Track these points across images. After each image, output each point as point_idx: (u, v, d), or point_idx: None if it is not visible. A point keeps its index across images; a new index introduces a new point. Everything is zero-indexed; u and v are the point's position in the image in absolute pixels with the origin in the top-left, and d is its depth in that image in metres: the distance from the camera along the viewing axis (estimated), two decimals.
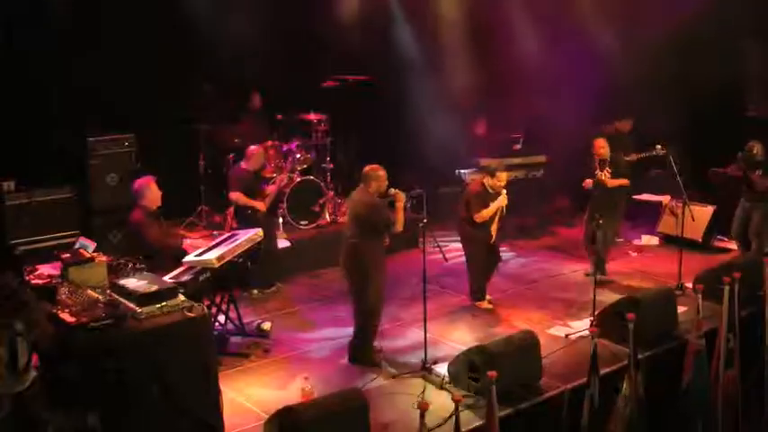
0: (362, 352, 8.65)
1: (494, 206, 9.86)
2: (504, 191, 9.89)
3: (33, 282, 6.96)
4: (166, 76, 11.80)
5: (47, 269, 7.57)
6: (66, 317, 6.32)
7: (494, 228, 10.07)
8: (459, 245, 12.03)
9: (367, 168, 8.59)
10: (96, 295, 6.89)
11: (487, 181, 9.93)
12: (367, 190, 8.50)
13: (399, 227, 8.48)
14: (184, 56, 12.04)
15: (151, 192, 9.03)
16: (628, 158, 11.16)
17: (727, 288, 8.08)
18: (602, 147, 10.94)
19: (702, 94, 13.02)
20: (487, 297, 10.27)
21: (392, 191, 8.49)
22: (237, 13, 12.10)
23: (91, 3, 10.86)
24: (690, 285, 10.06)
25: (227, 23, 11.90)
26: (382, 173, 8.51)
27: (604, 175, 10.82)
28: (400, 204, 8.44)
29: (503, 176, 9.86)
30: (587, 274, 10.98)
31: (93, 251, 7.84)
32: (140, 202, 9.02)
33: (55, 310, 6.41)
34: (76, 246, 8.15)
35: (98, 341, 6.24)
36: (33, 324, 5.74)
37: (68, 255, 7.57)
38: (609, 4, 13.64)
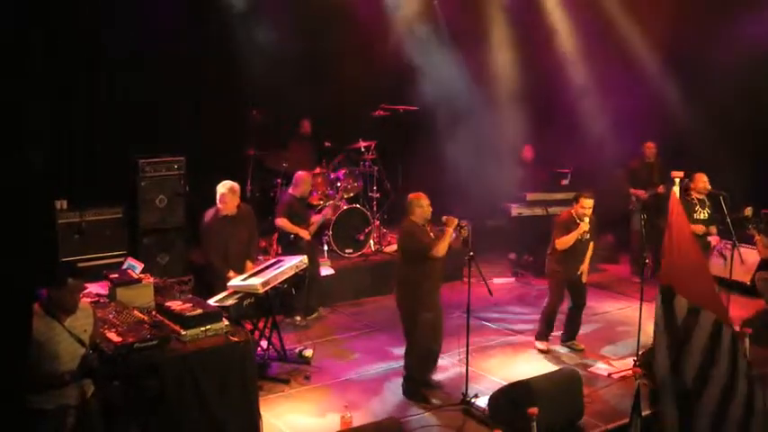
0: (408, 386, 8.62)
1: (574, 233, 9.53)
2: (587, 218, 9.56)
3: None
4: (217, 100, 11.95)
5: (95, 288, 7.68)
6: (112, 336, 6.40)
7: (583, 267, 9.80)
8: (504, 279, 12.03)
9: (410, 196, 8.57)
10: (142, 316, 6.97)
11: (574, 209, 9.68)
12: (410, 219, 8.48)
13: (440, 251, 8.24)
14: (236, 81, 12.18)
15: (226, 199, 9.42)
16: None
17: None
18: (703, 182, 10.62)
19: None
20: (574, 343, 10.03)
21: (445, 217, 8.41)
22: (290, 41, 12.21)
23: (144, 29, 11.01)
24: (737, 329, 9.86)
25: (280, 50, 12.01)
26: (425, 201, 8.46)
27: (704, 214, 10.57)
28: (449, 229, 8.29)
29: (586, 203, 9.53)
30: None
31: (141, 272, 7.94)
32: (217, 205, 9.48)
33: (102, 329, 6.49)
34: (124, 266, 8.27)
35: (142, 361, 6.31)
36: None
37: (116, 275, 7.67)
38: (672, 50, 13.68)
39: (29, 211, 4.83)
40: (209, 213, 9.47)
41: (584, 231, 9.59)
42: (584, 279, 9.87)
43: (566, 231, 9.61)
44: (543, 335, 9.98)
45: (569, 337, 10.05)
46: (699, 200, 10.57)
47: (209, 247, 9.45)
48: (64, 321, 5.66)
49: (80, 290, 5.88)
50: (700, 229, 10.40)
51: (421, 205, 8.46)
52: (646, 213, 12.42)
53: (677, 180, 7.66)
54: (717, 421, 6.28)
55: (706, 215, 10.54)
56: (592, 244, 9.89)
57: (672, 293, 6.26)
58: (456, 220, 8.35)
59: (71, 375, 5.62)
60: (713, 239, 11.29)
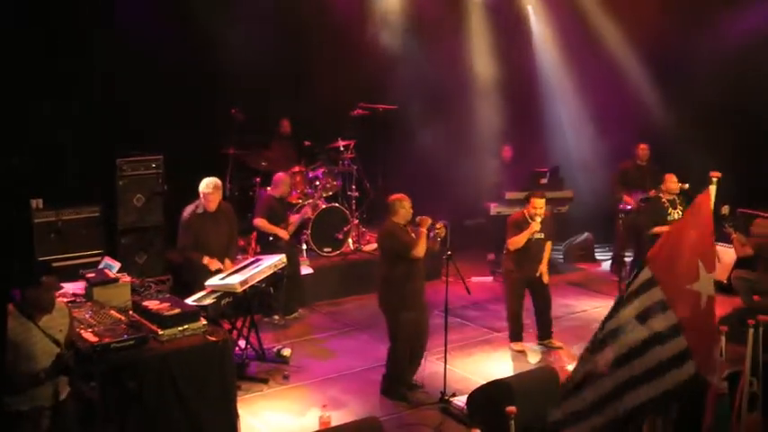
0: (388, 385, 8.61)
1: (525, 233, 9.57)
2: (538, 218, 9.58)
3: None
4: (196, 99, 11.89)
5: (72, 288, 7.63)
6: (88, 336, 6.36)
7: (542, 267, 9.82)
8: (482, 278, 12.03)
9: (393, 197, 8.56)
10: (119, 316, 6.94)
11: (526, 209, 9.72)
12: (392, 219, 8.48)
13: (418, 251, 8.23)
14: (215, 81, 12.15)
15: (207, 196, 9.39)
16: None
17: (751, 330, 7.92)
18: (674, 182, 10.65)
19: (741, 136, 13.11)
20: (551, 342, 10.04)
21: (419, 218, 8.42)
22: (269, 41, 12.19)
23: (123, 29, 10.98)
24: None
25: (259, 50, 11.98)
26: (407, 202, 8.47)
27: (678, 213, 10.56)
28: (422, 230, 8.31)
29: (537, 203, 9.57)
30: None
31: (118, 271, 7.90)
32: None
33: (79, 329, 6.45)
34: (101, 266, 8.23)
35: (119, 361, 6.28)
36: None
37: (93, 274, 7.63)
38: (654, 50, 13.75)
39: (4, 210, 4.79)
40: (189, 209, 9.43)
41: (536, 231, 9.63)
42: (545, 280, 9.89)
43: (518, 231, 9.66)
44: (515, 335, 10.00)
45: (544, 335, 10.07)
46: (669, 201, 10.62)
47: (186, 242, 9.39)
48: (39, 321, 5.62)
49: (55, 288, 5.85)
50: None
51: (404, 206, 8.45)
52: (625, 213, 12.52)
53: (714, 180, 7.58)
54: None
55: (680, 214, 10.56)
56: (549, 244, 9.96)
57: (643, 265, 6.20)
58: (429, 220, 8.36)
59: (46, 374, 5.58)
60: None
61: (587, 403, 5.75)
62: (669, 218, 10.47)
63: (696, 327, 6.17)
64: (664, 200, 10.61)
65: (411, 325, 8.45)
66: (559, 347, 9.95)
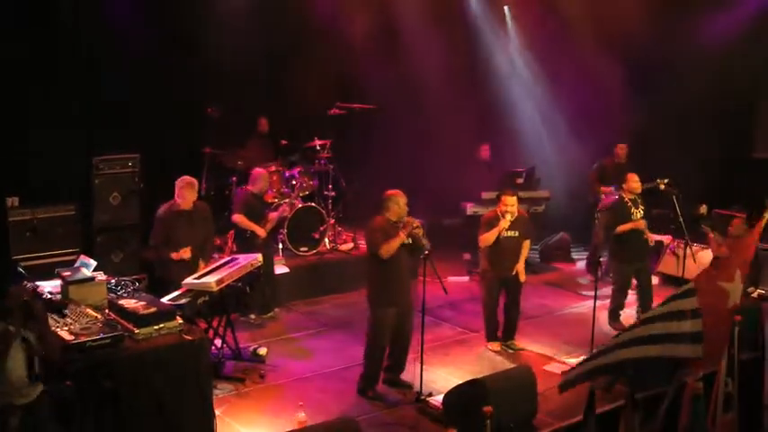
0: (365, 384, 8.58)
1: (494, 230, 9.56)
2: (508, 216, 9.58)
3: (44, 296, 6.90)
4: (174, 98, 11.85)
5: (47, 286, 7.58)
6: (64, 335, 6.33)
7: (518, 266, 9.76)
8: (459, 278, 12.01)
9: (387, 193, 8.48)
10: (95, 314, 6.89)
11: (498, 207, 9.71)
12: (384, 215, 8.42)
13: (383, 252, 8.17)
14: (193, 79, 12.11)
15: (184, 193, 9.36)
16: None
17: None
18: (635, 182, 10.64)
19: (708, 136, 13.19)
20: (512, 343, 9.99)
21: (406, 218, 8.38)
22: (247, 40, 12.17)
23: (102, 27, 10.94)
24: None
25: (237, 49, 11.96)
26: (402, 199, 8.40)
27: (640, 213, 10.59)
28: (401, 233, 8.26)
29: (508, 200, 9.59)
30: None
31: (94, 270, 7.85)
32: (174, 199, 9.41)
33: (54, 327, 6.41)
34: (77, 264, 8.17)
35: (95, 360, 6.24)
36: (44, 337, 5.82)
37: (69, 273, 7.58)
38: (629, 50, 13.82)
39: None
40: (165, 206, 9.39)
41: (506, 228, 9.61)
42: (521, 278, 9.86)
43: (489, 229, 9.67)
44: (491, 335, 10.01)
45: (507, 337, 10.04)
46: (632, 200, 10.61)
47: (158, 239, 9.34)
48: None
49: (24, 293, 5.82)
50: (641, 224, 10.50)
51: (397, 203, 8.39)
52: (601, 213, 12.57)
53: None
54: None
55: (641, 213, 10.58)
56: (527, 243, 9.94)
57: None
58: (411, 223, 8.33)
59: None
60: (666, 238, 11.40)
61: (595, 352, 5.99)
62: (632, 217, 10.50)
63: (714, 321, 6.33)
64: (626, 199, 10.63)
65: (386, 322, 8.44)
66: (521, 349, 9.96)
